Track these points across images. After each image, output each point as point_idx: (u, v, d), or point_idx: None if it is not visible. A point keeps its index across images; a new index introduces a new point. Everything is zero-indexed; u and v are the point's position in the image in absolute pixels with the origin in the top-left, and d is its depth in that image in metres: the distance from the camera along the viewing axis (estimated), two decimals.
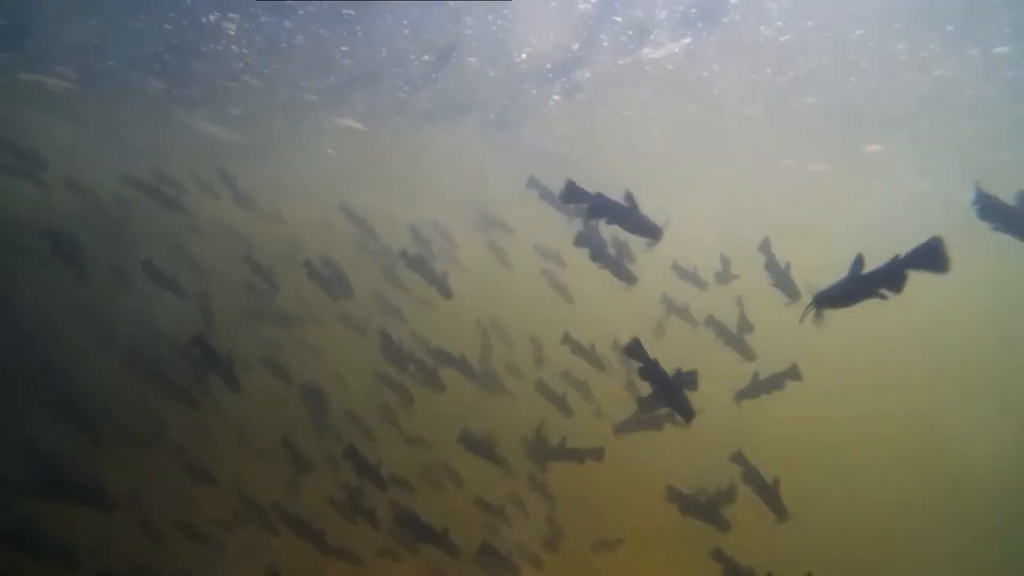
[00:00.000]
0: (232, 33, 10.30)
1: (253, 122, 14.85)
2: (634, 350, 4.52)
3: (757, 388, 6.89)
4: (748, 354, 7.66)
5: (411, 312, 12.33)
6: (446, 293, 8.25)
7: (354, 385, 12.15)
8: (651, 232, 4.78)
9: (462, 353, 8.70)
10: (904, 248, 3.63)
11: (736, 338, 7.72)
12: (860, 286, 3.83)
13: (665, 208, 5.07)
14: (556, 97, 11.27)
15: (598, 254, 5.99)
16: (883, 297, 3.74)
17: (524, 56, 9.90)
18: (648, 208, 4.81)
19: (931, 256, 3.52)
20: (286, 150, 16.65)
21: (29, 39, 11.68)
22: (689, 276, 8.71)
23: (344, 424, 10.09)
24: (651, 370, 4.50)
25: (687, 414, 4.58)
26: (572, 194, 4.75)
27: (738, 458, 6.25)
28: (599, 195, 4.70)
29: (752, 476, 6.19)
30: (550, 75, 10.50)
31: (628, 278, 6.16)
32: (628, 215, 4.69)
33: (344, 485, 8.52)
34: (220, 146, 16.14)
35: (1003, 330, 19.87)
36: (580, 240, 5.96)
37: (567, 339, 8.20)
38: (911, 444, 15.52)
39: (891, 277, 3.66)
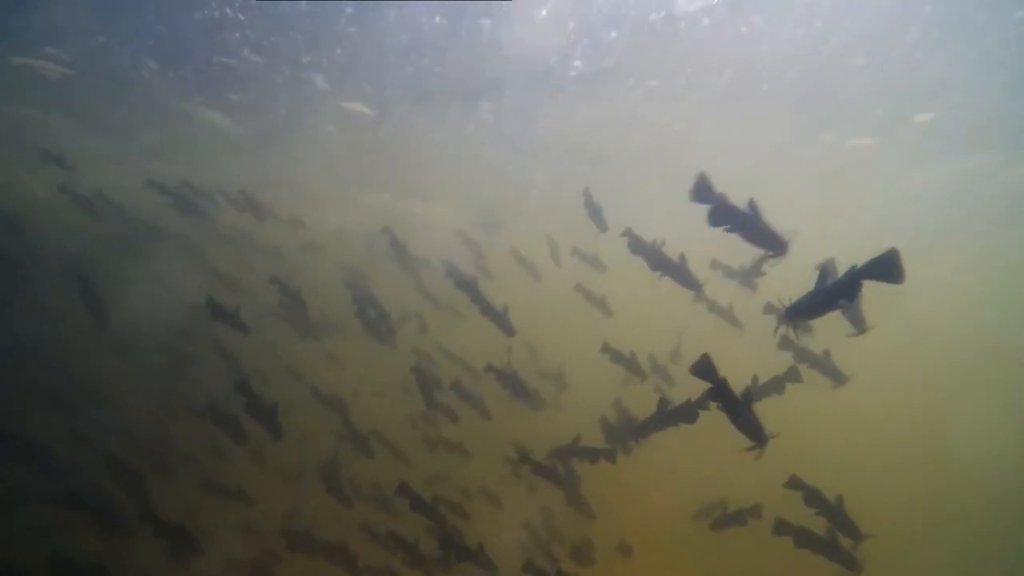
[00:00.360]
0: (228, 11, 9.79)
1: (254, 109, 14.14)
2: (703, 369, 3.96)
3: (758, 392, 6.33)
4: (839, 377, 6.60)
5: (437, 322, 11.95)
6: (508, 330, 7.43)
7: (383, 398, 12.04)
8: (776, 246, 4.20)
9: (515, 369, 7.87)
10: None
11: (823, 360, 6.64)
12: (823, 298, 3.85)
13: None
14: (577, 63, 10.36)
15: (658, 263, 5.54)
16: (845, 307, 3.83)
17: (544, 13, 9.03)
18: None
19: (886, 267, 3.49)
20: (290, 140, 15.89)
21: (15, 21, 11.16)
22: (735, 274, 7.82)
23: (376, 440, 9.85)
24: (720, 391, 4.00)
25: (760, 439, 4.03)
26: (701, 193, 4.23)
27: (796, 482, 5.75)
28: (722, 198, 4.20)
29: (814, 499, 5.70)
30: (572, 36, 9.62)
31: (694, 286, 5.66)
32: (752, 224, 4.18)
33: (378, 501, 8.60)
34: (221, 136, 15.45)
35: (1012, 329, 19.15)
36: (648, 261, 5.57)
37: (606, 348, 7.63)
38: (912, 445, 15.12)
39: (847, 288, 3.67)
